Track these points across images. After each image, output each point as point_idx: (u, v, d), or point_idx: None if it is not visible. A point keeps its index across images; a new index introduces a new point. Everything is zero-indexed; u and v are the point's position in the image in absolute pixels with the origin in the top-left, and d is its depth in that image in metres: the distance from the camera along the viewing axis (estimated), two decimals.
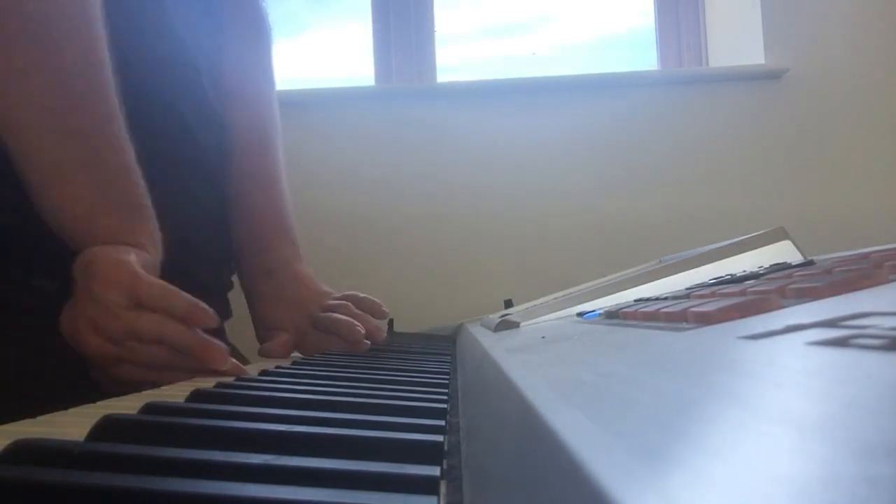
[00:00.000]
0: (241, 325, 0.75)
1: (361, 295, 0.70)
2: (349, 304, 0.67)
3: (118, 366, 0.47)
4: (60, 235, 0.51)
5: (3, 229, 0.53)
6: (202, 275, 0.69)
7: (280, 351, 0.65)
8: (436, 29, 1.44)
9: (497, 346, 0.36)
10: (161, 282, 0.48)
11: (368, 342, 0.63)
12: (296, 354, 0.66)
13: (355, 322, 0.62)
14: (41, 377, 0.48)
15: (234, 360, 0.46)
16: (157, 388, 0.38)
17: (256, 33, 0.83)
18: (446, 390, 0.35)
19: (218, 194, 0.73)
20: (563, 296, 0.60)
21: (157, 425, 0.22)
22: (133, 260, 0.48)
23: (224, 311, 0.74)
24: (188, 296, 0.47)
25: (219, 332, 0.73)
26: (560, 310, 0.53)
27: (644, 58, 1.50)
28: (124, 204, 0.52)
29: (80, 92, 0.50)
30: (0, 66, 0.48)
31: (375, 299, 0.70)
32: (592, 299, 0.53)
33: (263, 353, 0.65)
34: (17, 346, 0.50)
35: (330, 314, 0.65)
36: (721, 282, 0.41)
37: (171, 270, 0.58)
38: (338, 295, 0.71)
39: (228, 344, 0.74)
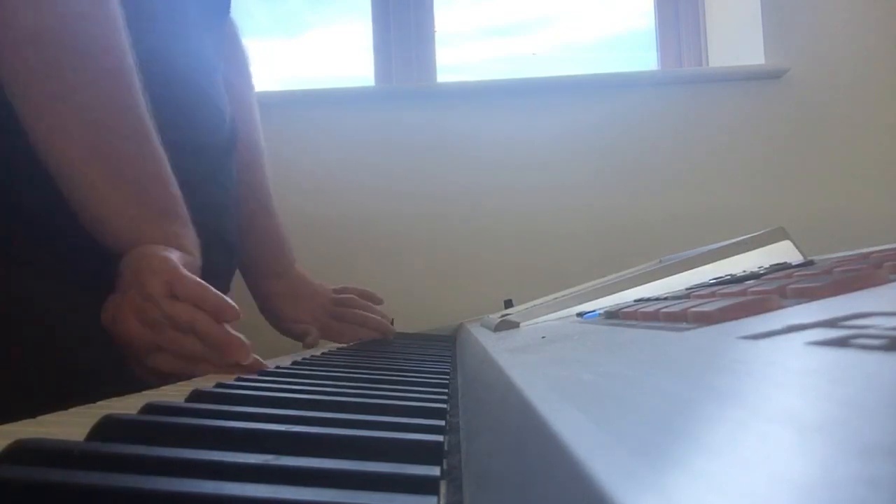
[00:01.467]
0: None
1: (356, 288, 0.86)
2: (355, 296, 0.85)
3: (156, 355, 0.51)
4: (106, 247, 0.55)
5: (9, 232, 0.54)
6: (214, 258, 0.69)
7: (316, 342, 0.79)
8: (436, 29, 1.44)
9: (497, 346, 0.36)
10: (197, 279, 0.52)
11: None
12: (295, 354, 0.66)
13: (378, 315, 0.82)
14: (50, 375, 0.49)
15: (255, 356, 0.48)
16: (157, 389, 0.38)
17: (234, 38, 0.87)
18: (446, 390, 0.35)
19: (226, 179, 0.75)
20: (563, 296, 0.60)
21: (157, 425, 0.22)
22: (176, 258, 0.53)
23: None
24: (218, 293, 0.51)
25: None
26: (560, 310, 0.53)
27: (644, 58, 1.50)
28: (164, 215, 0.56)
29: (113, 112, 0.53)
30: (36, 93, 0.51)
31: (366, 289, 0.87)
32: (592, 299, 0.53)
33: (307, 346, 0.79)
34: (27, 343, 0.51)
35: (352, 310, 0.83)
36: (721, 282, 0.41)
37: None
38: (336, 287, 0.86)
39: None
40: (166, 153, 0.57)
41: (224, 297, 0.51)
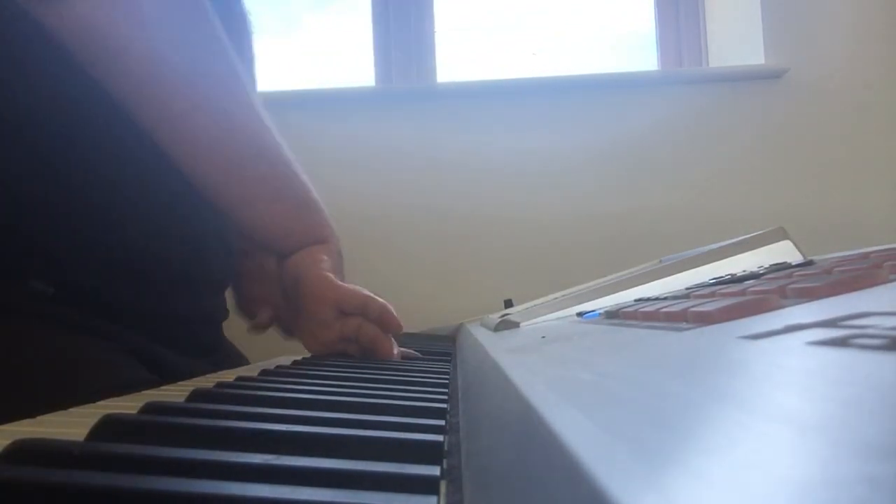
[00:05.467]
0: (241, 325, 0.75)
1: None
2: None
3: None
4: (261, 244, 0.62)
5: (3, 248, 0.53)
6: (215, 267, 0.69)
7: (265, 322, 0.70)
8: (436, 28, 1.44)
9: (497, 346, 0.35)
10: (360, 292, 0.58)
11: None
12: (295, 355, 0.66)
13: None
14: (38, 380, 0.49)
15: (401, 350, 0.58)
16: (157, 389, 0.38)
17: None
18: (446, 390, 0.35)
19: None
20: (563, 296, 0.60)
21: (157, 425, 0.22)
22: (330, 269, 0.58)
23: (224, 308, 0.74)
24: (380, 302, 0.57)
25: (219, 330, 0.73)
26: (560, 310, 0.53)
27: (644, 58, 1.50)
28: (304, 207, 0.61)
29: (239, 123, 0.57)
30: (164, 109, 0.53)
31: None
32: (592, 299, 0.53)
33: (252, 332, 0.70)
34: (13, 350, 0.51)
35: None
36: (721, 282, 0.41)
37: (188, 262, 0.61)
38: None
39: (224, 342, 0.74)
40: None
41: (387, 306, 0.57)
